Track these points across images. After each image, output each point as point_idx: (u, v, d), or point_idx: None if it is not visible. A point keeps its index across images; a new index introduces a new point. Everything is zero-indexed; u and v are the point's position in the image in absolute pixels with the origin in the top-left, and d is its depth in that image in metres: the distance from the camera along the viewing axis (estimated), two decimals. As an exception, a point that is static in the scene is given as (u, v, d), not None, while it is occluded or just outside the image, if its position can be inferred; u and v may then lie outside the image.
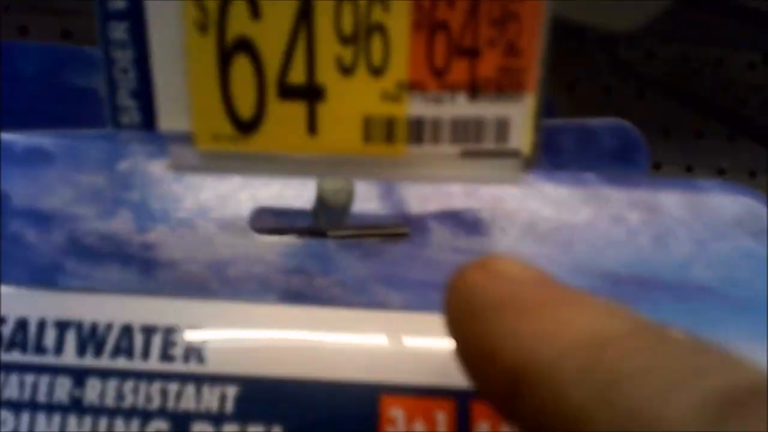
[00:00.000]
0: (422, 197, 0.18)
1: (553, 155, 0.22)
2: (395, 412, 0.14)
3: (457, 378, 0.15)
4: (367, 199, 0.18)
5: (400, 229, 0.18)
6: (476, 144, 0.13)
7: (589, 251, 0.17)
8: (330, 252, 0.17)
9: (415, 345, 0.15)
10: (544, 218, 0.18)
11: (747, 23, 0.40)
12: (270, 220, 0.18)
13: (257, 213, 0.18)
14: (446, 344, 0.15)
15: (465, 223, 0.18)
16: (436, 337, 0.15)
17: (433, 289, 0.17)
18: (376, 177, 0.13)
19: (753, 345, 0.15)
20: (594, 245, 0.17)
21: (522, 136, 0.13)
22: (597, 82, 0.50)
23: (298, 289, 0.17)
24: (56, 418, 0.14)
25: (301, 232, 0.18)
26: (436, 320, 0.15)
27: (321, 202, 0.16)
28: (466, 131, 0.13)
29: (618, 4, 0.22)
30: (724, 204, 0.17)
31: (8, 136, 0.19)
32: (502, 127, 0.13)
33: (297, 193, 0.18)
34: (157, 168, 0.19)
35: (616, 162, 0.23)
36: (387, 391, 0.14)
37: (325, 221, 0.17)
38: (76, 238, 0.18)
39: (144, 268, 0.17)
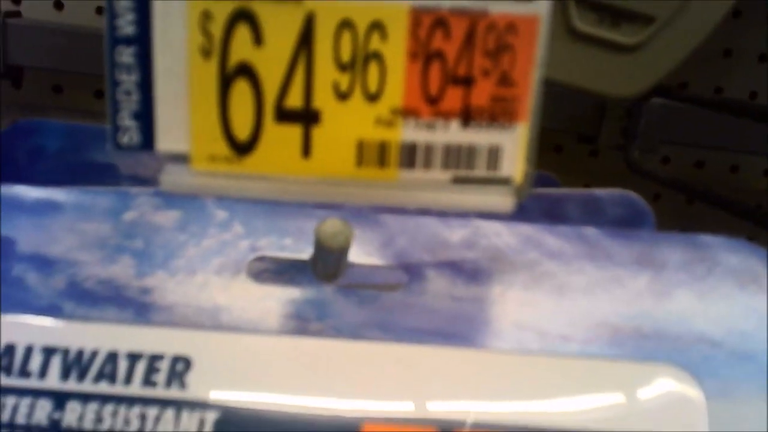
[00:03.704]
0: (421, 247, 0.18)
1: (558, 224, 0.22)
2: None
3: (439, 407, 0.14)
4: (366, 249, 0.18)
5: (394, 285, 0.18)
6: (468, 171, 0.13)
7: (588, 303, 0.17)
8: (327, 299, 0.17)
9: (399, 375, 0.15)
10: (543, 270, 0.17)
11: (764, 128, 0.40)
12: (268, 268, 0.18)
13: (256, 261, 0.18)
14: (423, 374, 0.15)
15: (463, 272, 0.18)
16: (420, 368, 0.15)
17: (427, 336, 0.16)
18: (368, 201, 0.13)
19: (752, 397, 0.15)
20: (593, 297, 0.17)
21: (514, 165, 0.13)
22: (611, 185, 0.51)
23: (291, 334, 0.16)
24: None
25: (298, 280, 0.18)
26: (420, 351, 0.15)
27: (319, 245, 0.16)
28: (458, 158, 0.13)
29: (619, 71, 0.22)
30: (727, 259, 0.17)
31: (21, 188, 0.20)
32: (494, 155, 0.13)
33: (295, 244, 0.18)
34: (163, 219, 0.19)
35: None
36: (370, 418, 0.14)
37: (323, 266, 0.17)
38: (76, 282, 0.18)
39: (140, 312, 0.17)
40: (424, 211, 0.21)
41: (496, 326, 0.16)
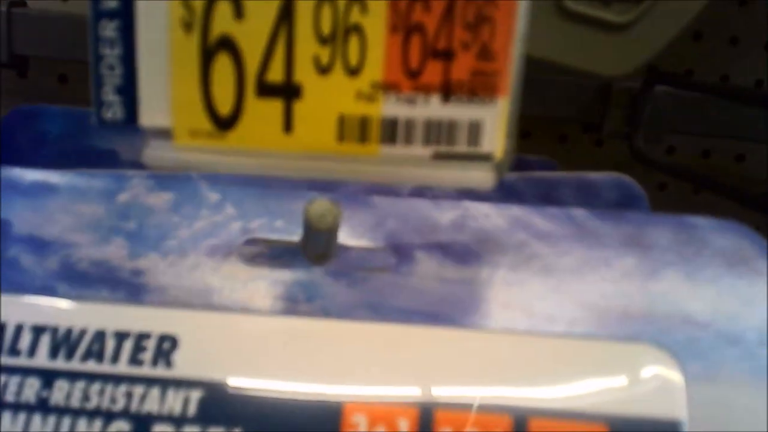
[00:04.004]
0: (411, 229, 0.18)
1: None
2: (358, 417, 0.13)
3: (420, 391, 0.14)
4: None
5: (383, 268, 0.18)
6: (448, 146, 0.13)
7: (575, 284, 0.17)
8: (316, 280, 0.17)
9: (381, 354, 0.15)
10: (531, 251, 0.17)
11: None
12: (259, 250, 0.18)
13: (248, 243, 0.18)
14: (407, 355, 0.15)
15: (452, 253, 0.18)
16: (402, 347, 0.15)
17: (415, 316, 0.16)
18: (349, 176, 0.13)
19: (737, 379, 0.15)
20: (581, 278, 0.17)
21: (494, 140, 0.13)
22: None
23: (279, 314, 0.16)
24: (21, 417, 0.13)
25: (289, 262, 0.18)
26: (403, 331, 0.15)
27: (307, 225, 0.16)
28: (438, 133, 0.13)
29: (610, 50, 0.22)
30: (716, 240, 0.17)
31: (16, 171, 0.20)
32: (475, 130, 0.13)
33: (287, 226, 0.18)
34: (156, 200, 0.19)
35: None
36: (351, 398, 0.14)
37: (312, 246, 0.17)
38: (70, 264, 0.18)
39: (132, 293, 0.17)
40: (415, 193, 0.21)
41: (483, 307, 0.16)
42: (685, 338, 0.15)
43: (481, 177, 0.13)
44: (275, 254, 0.18)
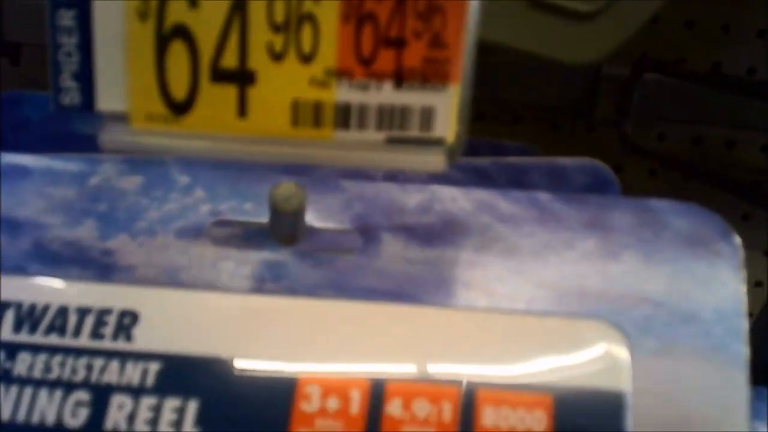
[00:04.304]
0: (379, 212, 0.18)
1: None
2: (311, 388, 0.14)
3: (374, 365, 0.15)
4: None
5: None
6: (401, 131, 0.13)
7: (536, 265, 0.17)
8: (283, 261, 0.18)
9: (336, 330, 0.15)
10: (494, 233, 0.18)
11: (761, 103, 0.40)
12: (228, 231, 0.18)
13: (217, 224, 0.18)
14: (364, 331, 0.15)
15: (418, 235, 0.18)
16: (358, 324, 0.15)
17: (380, 296, 0.17)
18: (303, 160, 0.13)
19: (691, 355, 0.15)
20: (541, 259, 0.17)
21: (446, 126, 0.13)
22: (606, 161, 0.51)
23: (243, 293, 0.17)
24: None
25: (257, 243, 0.18)
26: (358, 308, 0.15)
27: (273, 208, 0.17)
28: (391, 118, 0.13)
29: (577, 38, 0.22)
30: (676, 222, 0.17)
31: (-10, 155, 0.20)
32: (427, 116, 0.13)
33: (256, 209, 0.19)
34: (127, 184, 0.19)
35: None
36: (306, 371, 0.14)
37: (279, 228, 0.17)
38: (42, 244, 0.18)
39: (102, 273, 0.18)
40: (386, 177, 0.21)
41: (446, 287, 0.17)
42: (642, 316, 0.16)
43: (434, 161, 0.13)
44: (244, 236, 0.19)
